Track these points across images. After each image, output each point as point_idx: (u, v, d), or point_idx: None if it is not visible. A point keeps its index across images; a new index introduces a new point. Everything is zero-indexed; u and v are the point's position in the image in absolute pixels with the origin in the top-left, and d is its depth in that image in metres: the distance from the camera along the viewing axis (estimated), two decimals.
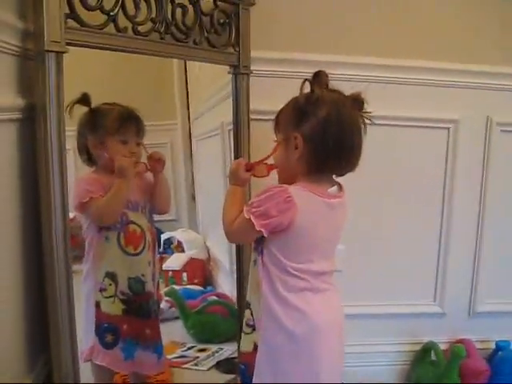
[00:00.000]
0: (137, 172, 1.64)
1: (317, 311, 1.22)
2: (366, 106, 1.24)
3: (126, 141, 1.60)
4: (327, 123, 1.18)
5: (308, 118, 1.20)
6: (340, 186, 1.28)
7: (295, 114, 1.23)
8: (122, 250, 1.60)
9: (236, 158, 1.80)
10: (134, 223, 1.63)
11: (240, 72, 1.75)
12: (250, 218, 1.18)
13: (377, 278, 2.09)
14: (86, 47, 1.33)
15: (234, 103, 1.79)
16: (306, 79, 1.25)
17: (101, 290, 1.59)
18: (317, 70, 1.26)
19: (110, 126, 1.58)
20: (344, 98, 1.23)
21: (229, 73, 1.77)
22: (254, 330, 1.30)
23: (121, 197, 1.56)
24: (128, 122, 1.61)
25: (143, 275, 1.64)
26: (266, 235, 1.20)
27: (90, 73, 2.13)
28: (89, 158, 1.61)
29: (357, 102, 1.23)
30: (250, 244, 1.36)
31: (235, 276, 1.89)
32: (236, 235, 1.30)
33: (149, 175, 1.71)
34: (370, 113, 1.25)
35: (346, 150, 1.20)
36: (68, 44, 1.27)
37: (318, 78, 1.24)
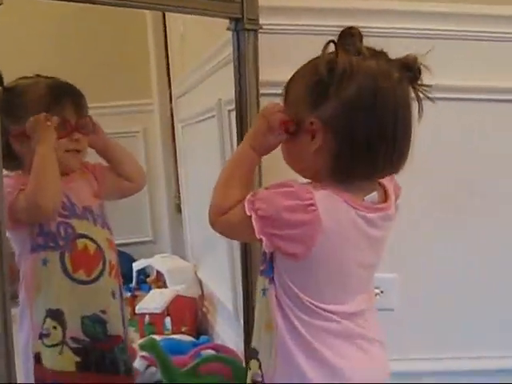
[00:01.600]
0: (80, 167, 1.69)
1: (353, 367, 1.21)
2: (423, 76, 1.20)
3: (65, 121, 1.61)
4: (357, 106, 1.15)
5: (330, 96, 1.16)
6: (384, 190, 1.26)
7: (312, 89, 1.19)
8: (69, 276, 1.60)
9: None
10: (85, 237, 1.64)
11: (244, 28, 1.72)
12: (250, 216, 1.15)
13: (446, 320, 2.02)
14: None
15: (236, 72, 1.76)
16: (330, 40, 1.19)
17: (41, 337, 1.58)
18: (349, 25, 1.22)
19: (37, 104, 1.58)
20: (387, 65, 1.18)
21: (228, 29, 1.75)
22: None
23: (49, 166, 1.54)
24: (62, 96, 1.62)
25: (103, 311, 1.64)
26: (266, 250, 1.19)
27: (27, 33, 2.14)
28: (10, 156, 1.58)
29: (408, 70, 1.19)
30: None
31: (242, 321, 1.85)
32: (225, 229, 1.30)
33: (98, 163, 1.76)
34: (430, 86, 1.20)
35: (386, 144, 1.17)
36: None
37: (347, 39, 1.19)
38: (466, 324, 2.04)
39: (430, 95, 1.20)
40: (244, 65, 1.74)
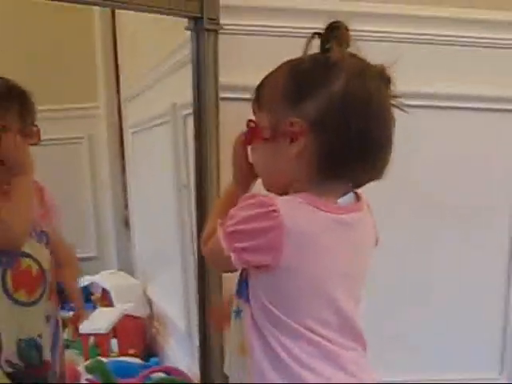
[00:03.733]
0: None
1: None
2: (393, 86, 1.18)
3: (5, 127, 1.58)
4: (350, 100, 1.13)
5: (316, 91, 1.14)
6: (356, 193, 1.23)
7: (294, 86, 1.16)
8: (10, 296, 1.58)
9: (198, 157, 1.82)
10: (29, 256, 1.62)
11: (204, 27, 1.75)
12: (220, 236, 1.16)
13: (414, 341, 2.08)
14: None
15: (194, 74, 1.80)
16: (315, 33, 1.17)
17: None
18: (331, 21, 1.18)
19: None
20: (371, 68, 1.17)
21: (187, 29, 1.78)
22: None
23: (31, 200, 1.57)
24: (7, 99, 1.61)
25: (40, 336, 1.63)
26: (237, 267, 1.16)
27: None
28: None
29: (382, 79, 1.18)
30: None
31: (196, 341, 1.87)
32: (209, 260, 1.34)
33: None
34: (401, 98, 1.19)
35: (374, 144, 1.16)
36: None
37: (336, 33, 1.17)
38: (433, 344, 2.10)
39: (401, 106, 1.20)
40: (203, 67, 1.77)
